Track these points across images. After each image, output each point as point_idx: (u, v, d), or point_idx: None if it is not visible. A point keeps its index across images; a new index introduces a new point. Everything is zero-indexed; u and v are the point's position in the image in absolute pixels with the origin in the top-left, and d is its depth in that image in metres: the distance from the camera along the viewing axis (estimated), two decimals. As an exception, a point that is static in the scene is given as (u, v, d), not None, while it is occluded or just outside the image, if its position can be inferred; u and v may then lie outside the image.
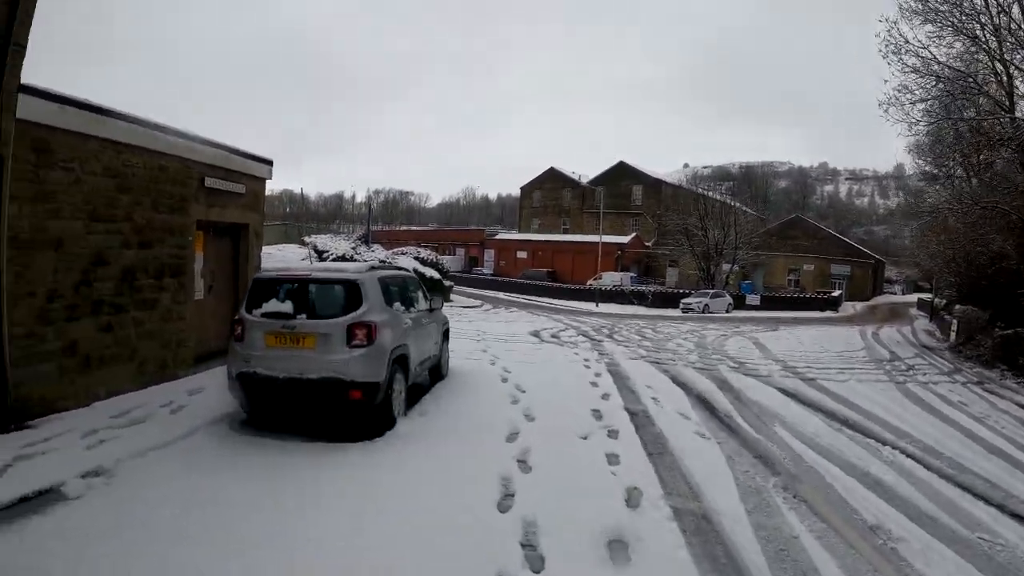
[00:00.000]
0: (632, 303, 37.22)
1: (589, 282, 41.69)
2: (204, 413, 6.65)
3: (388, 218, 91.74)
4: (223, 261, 9.64)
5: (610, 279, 41.40)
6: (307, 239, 30.31)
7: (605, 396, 8.42)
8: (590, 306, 34.74)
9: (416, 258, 25.71)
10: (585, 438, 6.28)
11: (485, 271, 53.49)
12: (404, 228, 74.15)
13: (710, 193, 44.35)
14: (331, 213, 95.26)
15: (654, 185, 56.02)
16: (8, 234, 5.64)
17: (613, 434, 6.48)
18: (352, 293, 6.06)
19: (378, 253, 25.83)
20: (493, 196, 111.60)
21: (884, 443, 6.83)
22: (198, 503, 4.41)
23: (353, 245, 27.88)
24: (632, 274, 45.35)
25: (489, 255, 55.80)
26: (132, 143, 7.20)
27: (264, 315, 5.98)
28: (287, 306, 5.95)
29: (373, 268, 6.77)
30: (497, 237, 58.57)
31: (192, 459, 5.38)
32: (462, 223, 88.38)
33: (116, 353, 7.07)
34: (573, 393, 8.55)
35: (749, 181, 54.32)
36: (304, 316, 5.92)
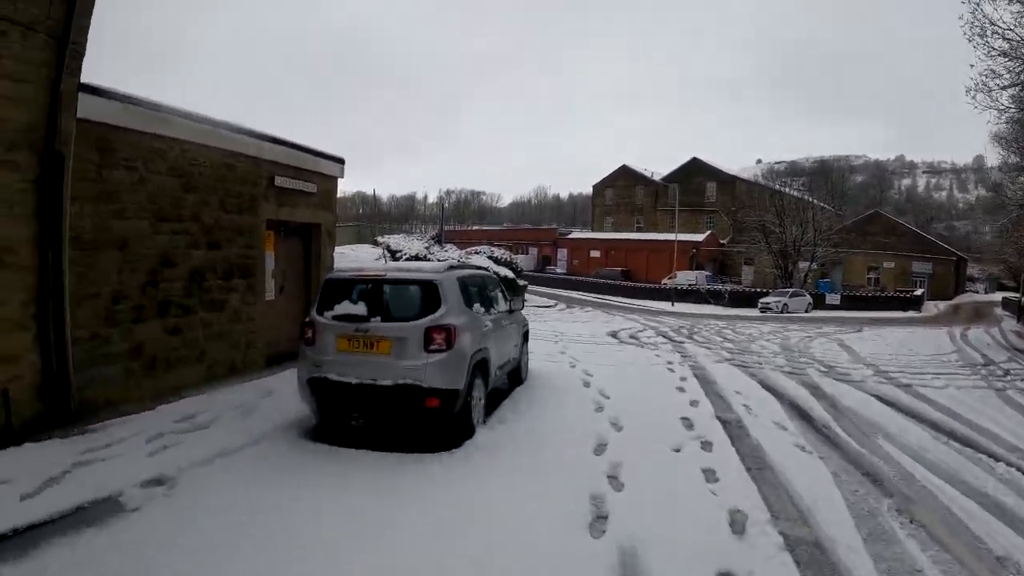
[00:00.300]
0: (708, 302, 36.49)
1: (663, 281, 41.10)
2: (273, 418, 6.40)
3: (460, 218, 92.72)
4: (294, 261, 9.50)
5: (685, 278, 40.57)
6: (380, 239, 30.68)
7: (694, 403, 7.86)
8: (665, 305, 34.14)
9: (490, 257, 24.61)
10: (678, 450, 5.82)
11: (558, 270, 53.16)
12: (476, 228, 74.21)
13: (786, 189, 42.99)
14: (403, 214, 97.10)
15: (728, 181, 54.54)
16: (70, 234, 5.56)
17: (707, 446, 5.98)
18: (430, 294, 5.70)
19: (451, 253, 25.41)
20: (564, 195, 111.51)
21: (997, 458, 6.04)
22: (262, 518, 4.16)
23: (426, 245, 27.91)
24: (707, 273, 44.33)
25: (562, 254, 55.77)
26: (198, 141, 7.08)
27: (336, 317, 5.68)
28: (360, 308, 5.63)
29: (452, 268, 6.33)
30: (570, 236, 58.29)
31: (258, 468, 5.10)
32: (534, 222, 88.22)
33: (184, 355, 6.95)
34: (660, 399, 8.01)
35: (824, 176, 50.83)
36: (378, 319, 5.59)
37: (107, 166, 5.96)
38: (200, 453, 5.29)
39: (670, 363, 11.33)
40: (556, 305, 31.54)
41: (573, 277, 47.69)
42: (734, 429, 6.64)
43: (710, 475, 5.15)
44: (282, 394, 7.31)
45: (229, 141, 7.60)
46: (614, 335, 17.03)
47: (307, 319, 5.94)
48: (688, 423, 6.79)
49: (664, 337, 16.92)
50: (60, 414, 5.45)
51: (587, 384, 8.71)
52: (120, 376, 6.14)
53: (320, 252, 9.86)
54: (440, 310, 5.61)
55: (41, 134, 5.25)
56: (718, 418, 7.05)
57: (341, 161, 10.40)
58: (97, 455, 5.21)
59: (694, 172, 54.83)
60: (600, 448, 5.78)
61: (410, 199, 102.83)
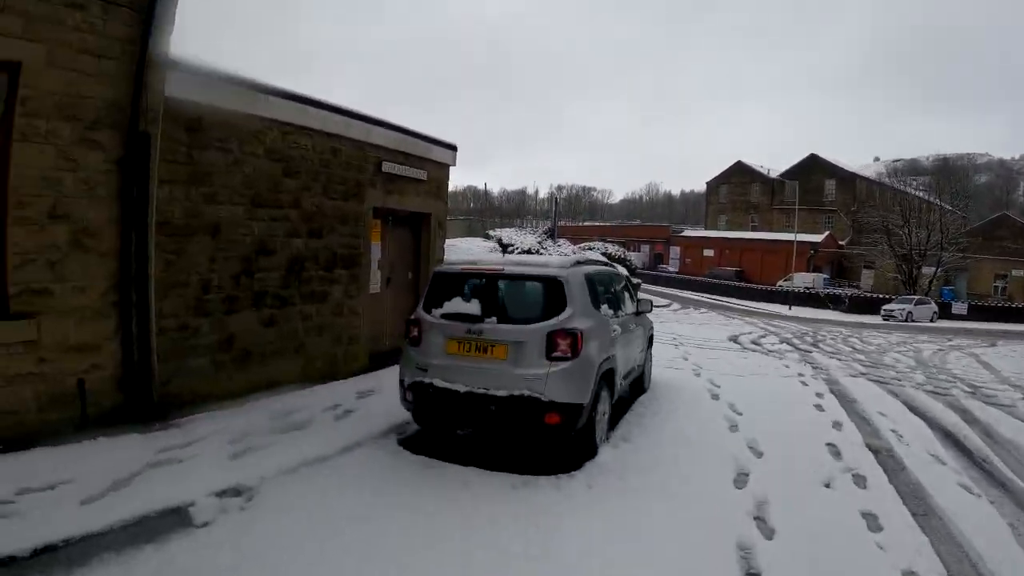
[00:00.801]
0: (827, 307, 35.50)
1: (779, 283, 40.10)
2: (371, 422, 5.91)
3: (571, 214, 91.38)
4: (402, 252, 8.99)
5: (801, 280, 39.32)
6: (492, 232, 30.35)
7: (836, 425, 6.96)
8: (782, 309, 33.29)
9: (603, 254, 24.63)
10: (828, 485, 5.05)
11: (671, 269, 52.44)
12: (589, 224, 73.70)
13: (910, 189, 41.04)
14: (514, 209, 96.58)
15: (848, 179, 52.21)
16: (158, 219, 5.27)
17: (860, 481, 5.19)
18: (554, 293, 4.97)
19: (564, 248, 24.98)
20: (676, 192, 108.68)
21: None
22: (347, 540, 3.67)
23: (539, 239, 27.61)
24: (824, 276, 43.05)
25: (675, 252, 54.95)
26: (299, 123, 6.67)
27: (445, 316, 5.07)
28: (473, 306, 4.97)
29: (578, 263, 5.45)
30: (683, 234, 57.26)
31: (350, 482, 4.57)
32: (644, 219, 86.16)
33: (279, 348, 6.58)
34: (798, 419, 7.16)
35: (947, 175, 46.09)
36: (494, 320, 4.92)
37: (198, 147, 5.64)
38: (286, 459, 4.83)
39: (801, 375, 10.46)
40: (670, 305, 30.54)
41: (686, 276, 47.17)
42: (887, 460, 5.77)
43: (871, 521, 4.36)
44: (383, 395, 6.86)
45: (333, 124, 7.16)
46: (735, 340, 16.47)
47: (413, 316, 5.34)
48: (835, 451, 5.94)
49: (788, 344, 16.19)
50: (141, 407, 5.17)
51: (715, 396, 7.90)
52: (209, 369, 5.82)
53: (430, 243, 9.29)
54: (566, 312, 4.85)
55: (126, 113, 4.96)
56: (867, 446, 6.15)
57: (453, 148, 9.78)
58: (174, 455, 4.86)
59: (812, 169, 52.47)
60: (741, 479, 5.04)
61: (521, 194, 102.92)
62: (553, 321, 4.80)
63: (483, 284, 5.13)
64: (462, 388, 4.84)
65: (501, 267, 5.23)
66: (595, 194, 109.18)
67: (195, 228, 5.66)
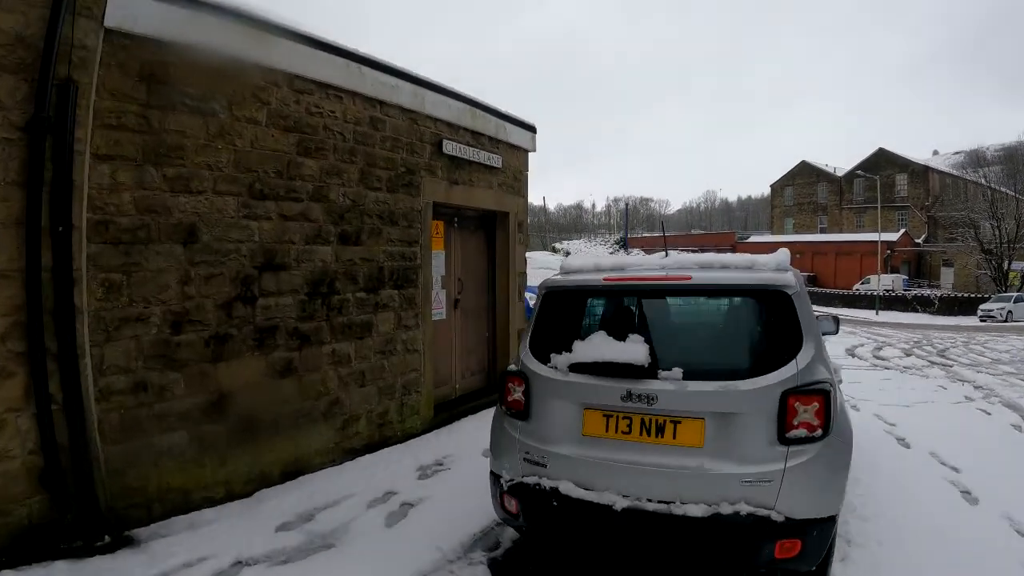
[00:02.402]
0: (916, 309, 33.74)
1: (855, 286, 38.38)
2: (444, 526, 3.77)
3: (629, 225, 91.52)
4: (473, 265, 6.79)
5: (879, 282, 36.98)
6: (557, 246, 28.13)
7: None
8: (868, 314, 31.83)
9: None
10: None
11: None
12: (650, 235, 72.66)
13: (983, 181, 38.00)
14: (571, 223, 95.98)
15: (920, 173, 48.65)
16: (92, 217, 3.29)
17: None
18: (778, 317, 2.83)
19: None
20: (733, 199, 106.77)
21: None
22: None
23: (611, 250, 25.81)
24: (903, 276, 40.88)
25: None
26: (321, 79, 4.60)
27: (580, 368, 2.93)
28: (634, 349, 2.81)
29: (781, 267, 3.03)
30: (749, 240, 54.38)
31: None
32: (703, 228, 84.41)
33: (301, 409, 4.45)
34: None
35: (1015, 164, 42.03)
36: (677, 373, 2.77)
37: (160, 106, 3.61)
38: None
39: (970, 398, 8.35)
40: None
41: None
42: None
43: None
44: (459, 469, 4.79)
45: (373, 83, 5.07)
46: (852, 353, 14.70)
47: (513, 367, 3.24)
48: None
49: (916, 357, 14.10)
50: (78, 514, 3.13)
51: (903, 442, 5.81)
52: (188, 449, 3.73)
53: (508, 252, 7.05)
54: (802, 352, 2.69)
55: (38, 51, 3.01)
56: None
57: (533, 129, 7.59)
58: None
59: (881, 164, 48.56)
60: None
61: (577, 208, 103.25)
62: (785, 372, 2.63)
63: (642, 306, 3.11)
64: (618, 501, 2.70)
65: (684, 274, 2.95)
66: (652, 204, 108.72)
67: (156, 231, 3.62)
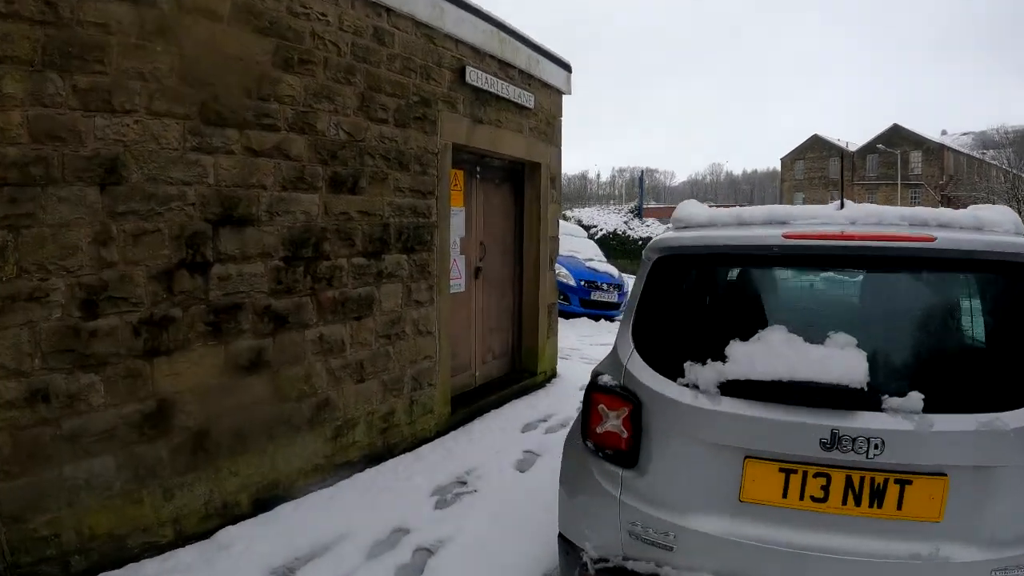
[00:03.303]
0: None
1: None
2: None
3: (631, 196, 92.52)
4: (498, 225, 5.58)
5: None
6: (568, 214, 26.80)
7: None
8: None
9: None
10: None
11: None
12: (664, 206, 72.97)
13: (1006, 163, 36.05)
14: (576, 192, 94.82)
15: (935, 151, 47.49)
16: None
17: None
18: None
19: (655, 227, 21.76)
20: (738, 172, 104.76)
21: None
22: None
23: (625, 219, 25.25)
24: None
25: None
26: (306, -34, 3.33)
27: (734, 388, 1.78)
28: (840, 360, 1.64)
29: (1021, 230, 1.83)
30: None
31: None
32: (711, 200, 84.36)
33: (276, 415, 3.32)
34: None
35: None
36: (913, 399, 1.62)
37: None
38: None
39: None
40: None
41: None
42: None
43: None
44: (488, 493, 3.66)
45: (377, -18, 3.80)
46: None
47: (606, 379, 2.02)
48: None
49: None
50: None
51: None
52: (116, 478, 2.63)
53: (540, 211, 5.84)
54: None
55: None
56: None
57: (568, 68, 6.32)
58: None
59: (895, 141, 46.68)
60: None
61: (582, 178, 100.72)
62: None
63: (846, 282, 2.16)
64: None
65: (925, 234, 1.77)
66: (658, 175, 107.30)
67: (60, 168, 2.43)
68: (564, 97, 6.33)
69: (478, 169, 5.20)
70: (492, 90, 4.94)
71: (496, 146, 5.11)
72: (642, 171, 56.53)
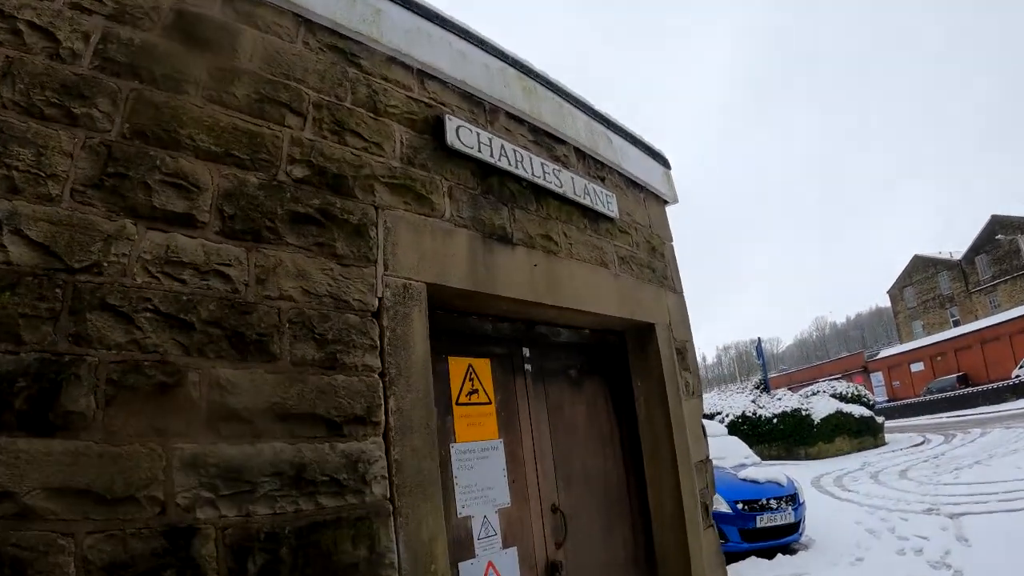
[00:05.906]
0: None
1: (1015, 373, 33.53)
2: None
3: (746, 372, 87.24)
4: (583, 460, 2.58)
5: None
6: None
7: None
8: None
9: (832, 395, 20.40)
10: None
11: (877, 399, 44.02)
12: (783, 373, 69.15)
13: None
14: None
15: None
16: None
17: None
18: None
19: (787, 400, 20.12)
20: (842, 320, 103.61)
21: None
22: None
23: (751, 398, 22.15)
24: None
25: (877, 379, 48.31)
26: None
27: None
28: None
29: None
30: (880, 357, 50.26)
31: None
32: (822, 357, 79.74)
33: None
34: None
35: None
36: None
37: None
38: None
39: None
40: (924, 441, 20.43)
41: (899, 402, 41.09)
42: None
43: None
44: None
45: None
46: None
47: None
48: None
49: None
50: None
51: None
52: None
53: (670, 415, 2.81)
54: None
55: None
56: None
57: (665, 162, 3.73)
58: None
59: (998, 231, 44.81)
60: None
61: None
62: None
63: None
64: None
65: None
66: (764, 345, 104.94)
67: None
68: (668, 208, 3.66)
69: (525, 353, 2.41)
70: (520, 174, 2.35)
71: (556, 295, 2.36)
72: (759, 338, 52.79)
